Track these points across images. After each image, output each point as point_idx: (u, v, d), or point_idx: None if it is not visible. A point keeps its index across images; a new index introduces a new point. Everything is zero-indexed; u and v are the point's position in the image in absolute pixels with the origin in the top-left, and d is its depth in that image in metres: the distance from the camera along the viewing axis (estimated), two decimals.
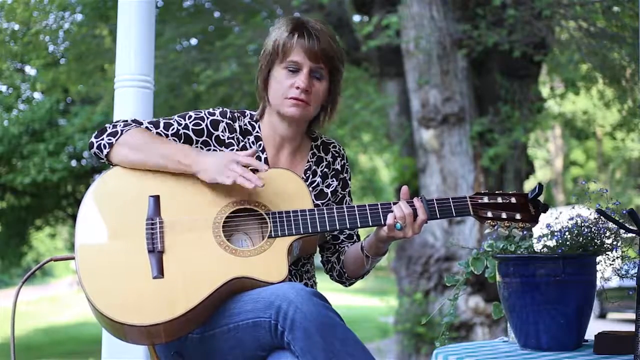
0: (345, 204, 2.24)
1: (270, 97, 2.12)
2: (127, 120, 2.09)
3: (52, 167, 12.32)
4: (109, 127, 2.06)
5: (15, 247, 16.20)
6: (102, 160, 2.06)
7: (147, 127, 2.07)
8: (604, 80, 7.39)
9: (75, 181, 14.30)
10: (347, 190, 2.26)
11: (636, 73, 6.65)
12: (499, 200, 2.04)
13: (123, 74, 2.83)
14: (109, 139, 2.03)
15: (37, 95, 13.01)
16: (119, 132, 2.03)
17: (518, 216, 2.02)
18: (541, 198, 2.05)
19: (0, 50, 8.41)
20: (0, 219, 15.23)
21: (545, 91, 8.38)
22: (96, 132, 2.07)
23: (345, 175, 2.27)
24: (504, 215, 2.02)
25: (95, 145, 2.04)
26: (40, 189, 13.86)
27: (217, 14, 9.87)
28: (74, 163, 13.36)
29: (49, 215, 16.18)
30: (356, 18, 8.96)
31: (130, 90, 2.81)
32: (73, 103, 12.17)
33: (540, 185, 2.01)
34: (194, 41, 9.97)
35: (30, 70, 12.30)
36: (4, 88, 12.30)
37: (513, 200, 2.04)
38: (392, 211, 1.99)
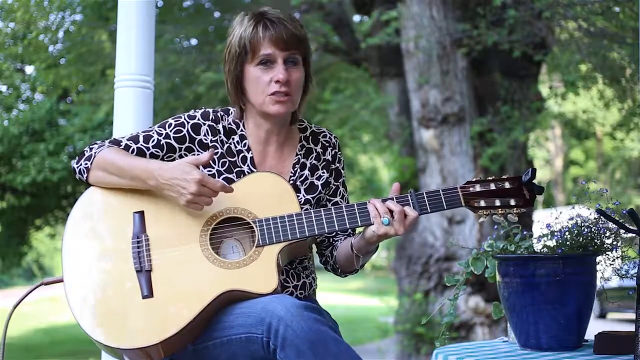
0: (339, 195, 2.19)
1: (251, 99, 2.05)
2: (103, 142, 2.06)
3: (52, 167, 12.30)
4: (87, 151, 2.04)
5: (15, 247, 16.19)
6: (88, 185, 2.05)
7: (126, 145, 2.04)
8: (604, 80, 7.39)
9: (75, 181, 14.25)
10: (340, 180, 2.20)
11: (636, 73, 6.65)
12: (492, 187, 1.97)
13: (123, 74, 2.82)
14: (86, 164, 2.02)
15: (37, 96, 13.00)
16: (93, 155, 2.01)
17: (512, 202, 1.96)
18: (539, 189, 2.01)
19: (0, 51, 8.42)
20: (0, 219, 15.21)
21: (545, 91, 8.38)
22: (77, 157, 2.06)
23: (338, 165, 2.19)
24: (497, 203, 1.96)
25: (77, 170, 2.04)
26: (40, 189, 13.83)
27: (217, 14, 9.87)
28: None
29: (49, 215, 16.15)
30: (356, 18, 8.96)
31: (130, 90, 2.81)
32: (73, 103, 12.16)
33: (533, 168, 1.96)
34: (194, 41, 9.97)
35: (30, 71, 12.30)
36: (4, 88, 12.29)
37: (507, 185, 1.97)
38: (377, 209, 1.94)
